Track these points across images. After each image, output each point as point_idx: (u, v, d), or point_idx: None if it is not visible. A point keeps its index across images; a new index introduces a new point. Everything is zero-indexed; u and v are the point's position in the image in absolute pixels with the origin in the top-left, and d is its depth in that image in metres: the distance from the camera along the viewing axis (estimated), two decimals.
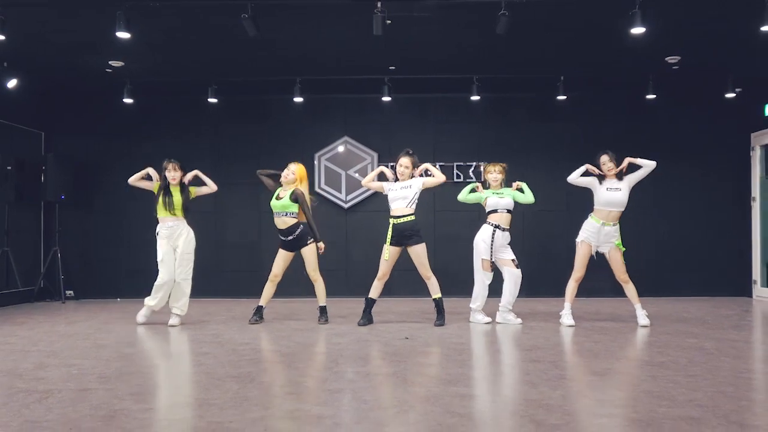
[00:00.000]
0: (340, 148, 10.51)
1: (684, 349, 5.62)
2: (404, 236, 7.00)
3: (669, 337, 6.27)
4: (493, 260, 7.28)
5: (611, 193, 6.96)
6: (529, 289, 9.97)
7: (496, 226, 7.20)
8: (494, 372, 4.90)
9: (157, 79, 9.35)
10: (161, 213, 7.13)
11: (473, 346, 6.01)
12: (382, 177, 7.39)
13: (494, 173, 7.35)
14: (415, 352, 5.53)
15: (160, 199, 7.10)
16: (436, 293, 7.15)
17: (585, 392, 4.24)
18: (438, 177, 7.23)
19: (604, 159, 7.02)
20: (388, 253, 7.02)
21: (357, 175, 10.44)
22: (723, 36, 7.64)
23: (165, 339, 6.36)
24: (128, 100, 9.50)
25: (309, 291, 7.71)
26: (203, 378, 4.57)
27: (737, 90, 9.51)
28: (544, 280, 9.96)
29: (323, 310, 7.45)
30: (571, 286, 7.19)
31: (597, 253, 7.09)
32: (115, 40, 6.92)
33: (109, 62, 8.61)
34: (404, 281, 9.30)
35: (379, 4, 6.44)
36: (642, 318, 7.02)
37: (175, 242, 7.12)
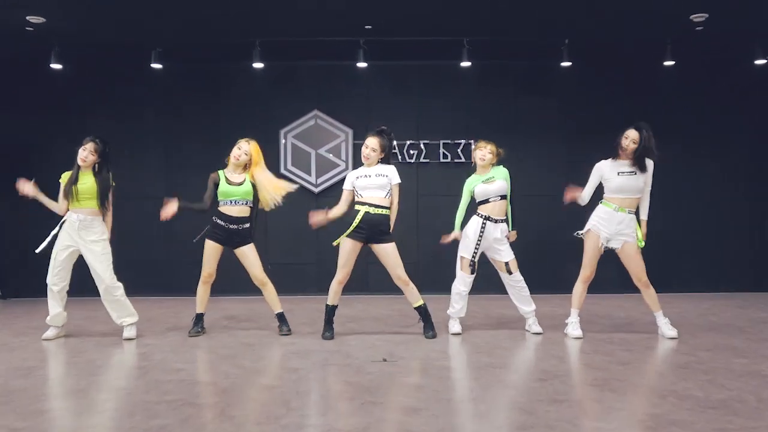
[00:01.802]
0: (310, 123, 9.13)
1: (739, 376, 4.38)
2: (375, 231, 5.68)
3: (710, 355, 5.03)
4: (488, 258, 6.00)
5: (624, 177, 5.67)
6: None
7: (487, 218, 5.89)
8: (499, 424, 3.60)
9: (90, 40, 7.89)
10: (71, 203, 5.80)
11: (468, 373, 4.72)
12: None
13: (483, 150, 5.97)
14: (395, 385, 4.23)
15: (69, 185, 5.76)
16: (417, 301, 5.82)
17: None
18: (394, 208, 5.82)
19: (633, 135, 5.64)
20: (343, 239, 5.70)
21: (330, 155, 9.09)
22: None
23: (75, 364, 4.98)
24: (56, 66, 8.04)
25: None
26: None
27: None
28: (539, 275, 8.70)
29: (282, 317, 6.12)
30: (579, 289, 5.91)
31: (606, 248, 5.78)
32: None
33: (28, 18, 7.14)
34: (384, 275, 7.99)
35: None
36: (667, 328, 5.79)
37: (82, 240, 5.74)
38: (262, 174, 5.97)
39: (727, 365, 4.69)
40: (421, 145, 9.12)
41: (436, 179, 9.13)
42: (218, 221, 5.88)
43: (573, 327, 5.86)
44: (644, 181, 5.71)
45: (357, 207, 5.71)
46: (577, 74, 8.76)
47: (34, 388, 4.16)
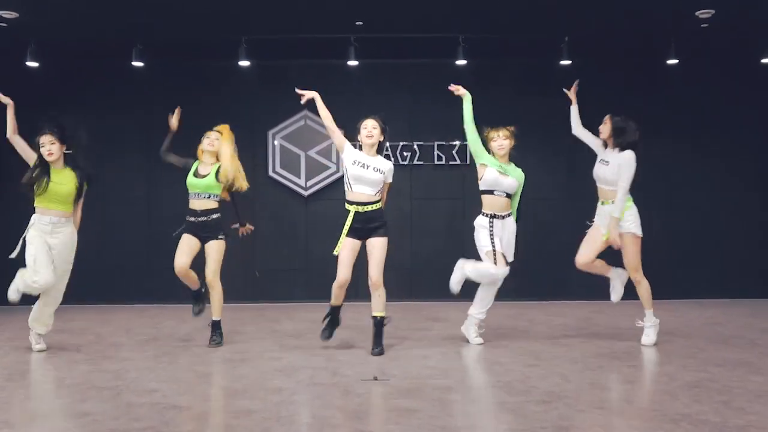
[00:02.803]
0: (299, 124, 8.79)
1: (757, 396, 4.06)
2: (370, 227, 5.40)
3: (723, 372, 4.71)
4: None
5: (598, 164, 5.72)
6: (521, 292, 8.45)
7: (492, 216, 5.59)
8: None
9: (68, 36, 7.53)
10: (41, 202, 5.37)
11: (465, 394, 4.39)
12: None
13: (499, 139, 5.67)
14: (386, 411, 3.89)
15: (37, 182, 5.32)
16: (381, 310, 5.44)
17: None
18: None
19: (607, 120, 5.77)
20: (341, 246, 5.39)
21: (320, 158, 8.77)
22: None
23: (41, 384, 4.63)
24: (32, 64, 7.68)
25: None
26: None
27: None
28: (540, 281, 8.44)
29: (216, 326, 5.79)
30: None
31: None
32: None
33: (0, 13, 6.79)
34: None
35: None
36: (648, 333, 5.65)
37: (50, 241, 5.37)
38: (226, 147, 5.83)
39: (742, 384, 4.37)
40: (415, 147, 8.81)
41: (431, 181, 8.82)
42: (187, 216, 5.76)
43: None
44: (616, 173, 5.49)
45: (347, 207, 5.42)
46: (577, 73, 8.42)
47: None
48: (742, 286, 8.72)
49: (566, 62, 7.91)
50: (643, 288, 5.63)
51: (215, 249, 5.69)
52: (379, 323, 5.43)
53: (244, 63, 7.90)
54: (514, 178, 5.64)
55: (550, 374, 4.69)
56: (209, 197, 5.69)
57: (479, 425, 3.58)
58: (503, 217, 5.62)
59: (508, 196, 5.65)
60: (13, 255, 5.44)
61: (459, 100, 8.66)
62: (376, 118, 5.52)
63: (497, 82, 8.72)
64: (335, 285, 5.46)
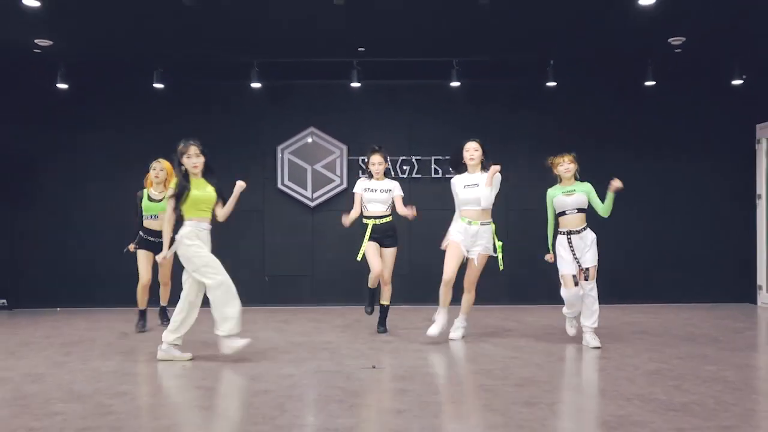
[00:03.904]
0: (306, 140, 9.47)
1: (705, 382, 4.68)
2: (385, 236, 6.74)
3: (682, 363, 5.33)
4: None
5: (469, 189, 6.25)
6: (514, 297, 9.09)
7: (569, 233, 6.16)
8: (475, 424, 3.90)
9: (94, 61, 8.24)
10: (192, 213, 5.45)
11: (450, 378, 5.02)
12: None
13: (565, 164, 6.25)
14: (382, 391, 4.53)
15: (186, 194, 5.41)
16: (388, 300, 6.91)
17: None
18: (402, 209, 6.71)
19: (468, 146, 6.31)
20: (365, 248, 6.64)
21: (325, 171, 9.43)
22: (732, 15, 6.70)
23: (84, 367, 5.27)
24: (62, 86, 8.39)
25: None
26: None
27: (743, 77, 8.60)
28: (531, 287, 9.05)
29: (164, 311, 7.25)
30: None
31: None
32: (28, 11, 5.83)
33: (36, 41, 7.48)
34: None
35: None
36: (454, 331, 6.46)
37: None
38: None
39: (695, 372, 4.99)
40: (414, 161, 9.44)
41: (429, 194, 9.42)
42: (142, 235, 6.95)
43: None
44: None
45: (365, 221, 6.70)
46: (564, 93, 9.10)
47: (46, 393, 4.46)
48: (716, 292, 9.29)
49: (552, 84, 8.56)
50: (472, 298, 6.43)
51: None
52: (385, 309, 6.90)
53: (256, 84, 8.58)
54: (580, 193, 6.19)
55: (527, 364, 5.32)
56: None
57: (461, 401, 4.21)
58: (579, 232, 6.16)
59: (581, 211, 6.19)
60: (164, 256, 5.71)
61: (453, 118, 9.38)
62: (381, 153, 6.74)
63: (488, 101, 9.37)
64: (372, 276, 6.74)
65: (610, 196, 6.08)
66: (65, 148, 9.12)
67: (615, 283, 8.92)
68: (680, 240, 9.41)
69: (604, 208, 6.17)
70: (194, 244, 5.35)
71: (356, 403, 4.13)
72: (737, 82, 8.57)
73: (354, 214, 6.68)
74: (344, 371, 5.08)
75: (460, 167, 6.34)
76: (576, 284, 6.07)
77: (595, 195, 6.19)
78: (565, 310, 6.37)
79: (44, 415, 3.93)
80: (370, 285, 6.92)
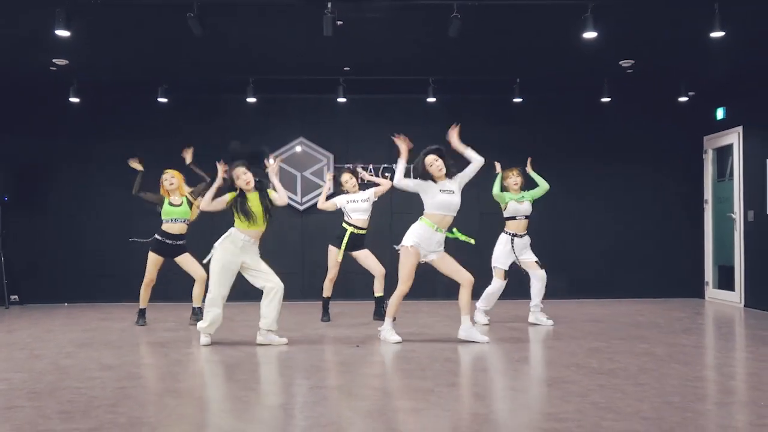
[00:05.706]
0: (296, 149, 10.34)
1: (635, 355, 5.60)
2: (356, 245, 7.57)
3: (621, 342, 6.26)
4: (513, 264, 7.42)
5: (445, 195, 6.25)
6: (477, 295, 9.97)
7: (513, 235, 7.34)
8: (440, 383, 4.79)
9: (105, 77, 9.07)
10: (243, 226, 6.05)
11: (417, 352, 5.91)
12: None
13: (513, 177, 7.37)
14: (365, 363, 5.41)
15: (239, 208, 5.98)
16: (381, 292, 7.62)
17: (532, 405, 4.17)
18: (383, 184, 7.76)
19: (430, 160, 6.37)
20: (341, 255, 7.52)
21: (313, 177, 10.30)
22: (675, 41, 7.67)
23: (107, 348, 6.11)
24: (74, 100, 9.20)
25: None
26: (140, 393, 4.38)
27: (690, 94, 9.61)
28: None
29: (197, 312, 7.43)
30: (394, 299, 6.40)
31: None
32: (56, 37, 6.66)
33: (53, 60, 8.30)
34: (363, 284, 9.17)
35: (329, 5, 6.30)
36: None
37: (241, 257, 6.10)
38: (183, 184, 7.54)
39: (629, 349, 5.91)
40: (394, 168, 10.28)
41: (408, 198, 10.18)
42: (160, 238, 7.35)
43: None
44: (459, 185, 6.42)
45: (344, 226, 7.54)
46: (531, 108, 10.03)
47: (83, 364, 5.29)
48: (669, 287, 10.26)
49: (518, 100, 9.49)
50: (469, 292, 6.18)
51: (189, 258, 7.38)
52: (380, 300, 7.65)
53: (252, 99, 9.44)
54: (528, 201, 7.36)
55: (491, 344, 6.22)
56: (184, 221, 7.42)
57: (424, 365, 5.09)
58: (522, 236, 7.36)
59: (527, 218, 7.38)
60: (206, 260, 6.23)
61: (431, 130, 10.24)
62: (348, 171, 7.68)
63: (462, 115, 10.24)
64: (327, 280, 7.68)
65: (533, 174, 7.41)
66: (76, 157, 9.95)
67: (574, 281, 9.90)
68: (636, 241, 10.36)
69: (540, 186, 7.38)
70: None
71: (342, 370, 5.01)
72: (684, 99, 9.55)
73: (324, 201, 7.63)
74: (331, 349, 5.98)
75: (428, 177, 6.37)
76: (506, 278, 7.34)
77: (532, 191, 7.39)
78: (480, 304, 7.39)
79: (86, 378, 4.78)
80: (325, 293, 7.73)
